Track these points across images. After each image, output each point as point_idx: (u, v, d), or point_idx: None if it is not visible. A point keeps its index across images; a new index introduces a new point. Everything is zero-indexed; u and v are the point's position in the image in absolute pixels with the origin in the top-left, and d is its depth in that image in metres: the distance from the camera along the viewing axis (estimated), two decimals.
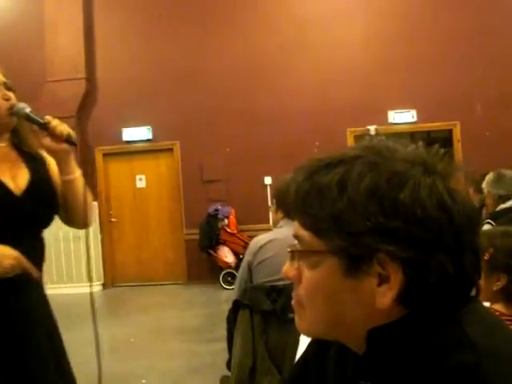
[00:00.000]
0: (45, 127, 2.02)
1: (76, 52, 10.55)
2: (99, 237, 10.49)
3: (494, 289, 2.22)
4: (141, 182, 10.77)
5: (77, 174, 2.12)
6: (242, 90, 10.26)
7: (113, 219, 10.73)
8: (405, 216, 0.80)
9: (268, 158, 9.92)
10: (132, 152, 10.70)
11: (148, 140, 10.63)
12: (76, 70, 10.49)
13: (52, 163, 2.16)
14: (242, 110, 10.20)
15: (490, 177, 4.49)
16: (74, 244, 10.23)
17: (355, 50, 10.12)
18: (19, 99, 2.10)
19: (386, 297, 0.83)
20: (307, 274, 0.89)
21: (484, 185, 4.52)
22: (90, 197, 2.20)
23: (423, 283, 0.82)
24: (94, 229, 10.42)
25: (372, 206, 0.81)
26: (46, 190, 2.09)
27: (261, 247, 3.25)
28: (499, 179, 4.42)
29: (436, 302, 0.83)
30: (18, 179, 2.05)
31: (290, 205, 0.90)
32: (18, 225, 1.99)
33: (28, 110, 2.04)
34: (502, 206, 4.34)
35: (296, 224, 0.91)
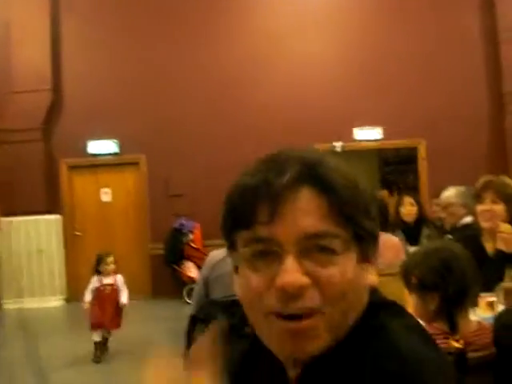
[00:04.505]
0: None
1: (42, 63, 10.46)
2: (63, 251, 10.36)
3: (431, 308, 2.27)
4: (106, 196, 10.67)
5: None
6: (210, 103, 10.25)
7: (77, 233, 10.60)
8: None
9: (235, 173, 9.87)
10: (98, 165, 10.61)
11: (115, 153, 10.56)
12: (42, 81, 10.39)
13: None
14: (209, 123, 10.19)
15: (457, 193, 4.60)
16: (37, 258, 10.10)
17: (319, 66, 10.20)
18: None
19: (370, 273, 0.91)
20: (333, 270, 0.85)
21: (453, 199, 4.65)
22: None
23: None
24: (58, 243, 10.30)
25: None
26: None
27: (217, 262, 3.23)
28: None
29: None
30: None
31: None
32: None
33: None
34: (462, 221, 4.45)
35: (310, 221, 0.86)
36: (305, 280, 0.83)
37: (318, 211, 0.86)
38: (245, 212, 0.88)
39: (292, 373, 0.91)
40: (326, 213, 0.85)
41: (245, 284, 0.88)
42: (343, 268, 0.85)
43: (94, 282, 6.86)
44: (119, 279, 6.96)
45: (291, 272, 0.83)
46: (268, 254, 0.86)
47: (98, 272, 6.83)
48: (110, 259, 6.87)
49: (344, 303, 0.85)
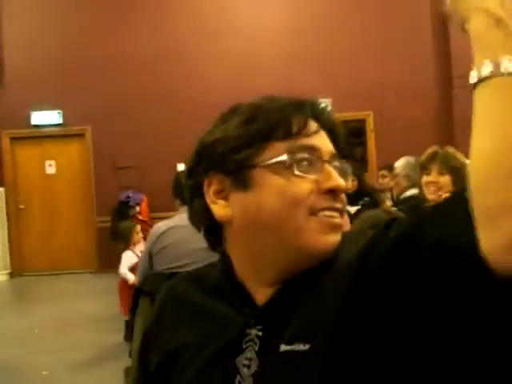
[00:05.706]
0: None
1: None
2: (6, 224, 10.12)
3: None
4: (50, 168, 10.44)
5: None
6: (156, 75, 10.10)
7: (21, 206, 10.36)
8: None
9: (182, 145, 9.77)
10: (41, 137, 10.34)
11: (58, 124, 10.31)
12: None
13: None
14: (155, 96, 10.04)
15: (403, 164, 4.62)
16: None
17: (268, 39, 10.17)
18: None
19: None
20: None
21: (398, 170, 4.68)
22: None
23: None
24: (0, 216, 10.05)
25: None
26: None
27: (161, 234, 3.21)
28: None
29: None
30: None
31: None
32: None
33: None
34: (406, 193, 4.49)
35: None
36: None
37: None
38: (293, 123, 1.01)
39: (262, 295, 0.98)
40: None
41: (282, 191, 0.96)
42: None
43: (131, 257, 5.75)
44: None
45: (338, 177, 0.99)
46: (310, 162, 0.98)
47: (127, 245, 5.84)
48: (139, 227, 6.04)
49: None
